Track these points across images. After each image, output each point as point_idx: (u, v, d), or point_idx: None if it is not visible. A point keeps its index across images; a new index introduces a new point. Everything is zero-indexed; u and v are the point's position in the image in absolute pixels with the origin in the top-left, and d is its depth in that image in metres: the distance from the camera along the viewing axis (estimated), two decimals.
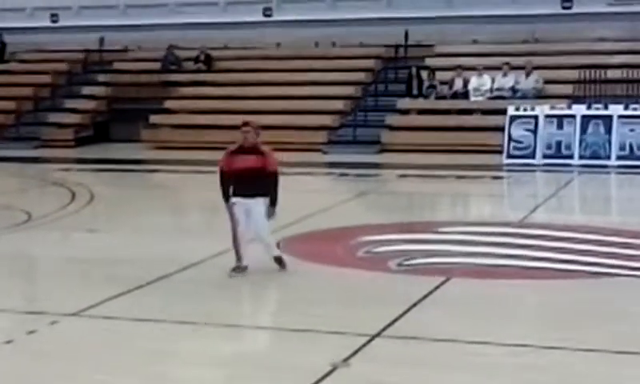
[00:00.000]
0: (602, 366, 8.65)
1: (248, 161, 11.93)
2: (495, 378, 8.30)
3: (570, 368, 8.56)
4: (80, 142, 29.56)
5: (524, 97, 25.98)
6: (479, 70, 27.06)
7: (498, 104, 25.76)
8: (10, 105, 31.16)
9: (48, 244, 14.94)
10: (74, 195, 19.39)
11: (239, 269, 11.84)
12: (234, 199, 11.95)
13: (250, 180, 11.84)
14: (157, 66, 31.24)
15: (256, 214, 11.87)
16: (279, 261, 12.13)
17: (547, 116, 24.07)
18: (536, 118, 24.09)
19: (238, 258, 11.87)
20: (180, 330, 9.88)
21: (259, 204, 11.89)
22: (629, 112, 23.71)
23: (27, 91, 31.74)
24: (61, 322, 10.14)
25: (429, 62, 28.57)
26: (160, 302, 10.99)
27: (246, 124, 12.16)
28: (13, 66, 33.53)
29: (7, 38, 34.08)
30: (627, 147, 23.44)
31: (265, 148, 12.14)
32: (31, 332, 9.78)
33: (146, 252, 13.59)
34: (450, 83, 27.28)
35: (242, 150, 12.05)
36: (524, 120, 24.19)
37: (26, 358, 9.15)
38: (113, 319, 10.35)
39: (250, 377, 8.47)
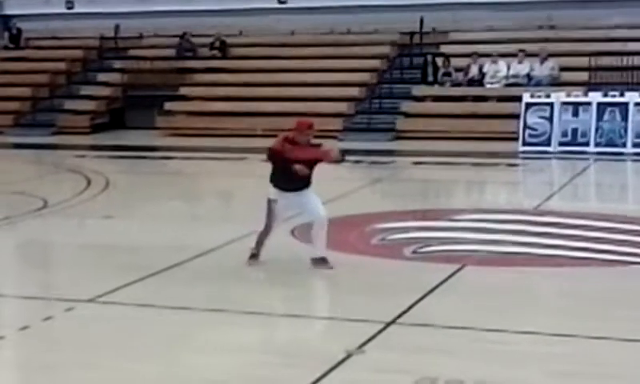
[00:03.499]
0: (617, 352, 8.65)
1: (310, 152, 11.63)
2: (510, 365, 8.29)
3: (586, 355, 8.56)
4: (95, 129, 29.63)
5: (539, 84, 25.90)
6: (494, 56, 26.99)
7: (514, 91, 25.69)
8: (26, 92, 31.26)
9: (64, 231, 14.99)
10: (89, 182, 19.44)
11: (254, 257, 11.83)
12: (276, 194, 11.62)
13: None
14: (172, 52, 31.26)
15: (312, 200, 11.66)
16: (322, 261, 11.64)
17: (563, 103, 23.99)
18: (551, 105, 24.00)
19: (259, 248, 11.80)
20: (196, 317, 9.91)
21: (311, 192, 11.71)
22: None
23: (43, 78, 31.81)
24: (76, 308, 10.19)
25: (444, 48, 28.52)
26: (176, 288, 11.02)
27: (311, 126, 11.77)
28: (28, 52, 33.57)
29: (23, 25, 34.14)
30: None
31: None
32: (47, 318, 9.85)
33: (162, 239, 13.62)
34: (466, 70, 27.22)
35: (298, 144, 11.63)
36: (539, 107, 24.11)
37: (41, 345, 9.20)
38: (128, 306, 10.39)
39: (264, 363, 8.49)
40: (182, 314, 10.01)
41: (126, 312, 10.18)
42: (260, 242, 11.81)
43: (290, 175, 11.47)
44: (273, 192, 11.65)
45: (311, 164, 11.61)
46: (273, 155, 11.64)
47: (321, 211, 11.69)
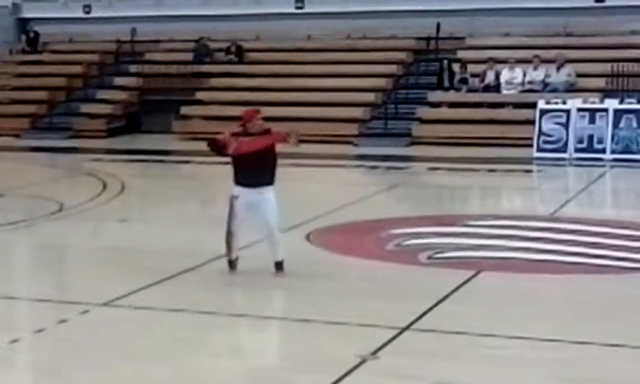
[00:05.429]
0: (631, 360, 8.62)
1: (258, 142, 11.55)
2: (526, 372, 8.27)
3: (602, 363, 8.53)
4: (112, 133, 29.68)
5: (556, 90, 25.84)
6: (511, 62, 26.95)
7: (530, 97, 25.64)
8: (42, 95, 31.35)
9: (79, 234, 15.02)
10: (105, 185, 19.49)
11: (232, 264, 11.75)
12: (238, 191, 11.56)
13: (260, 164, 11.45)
14: (188, 57, 31.31)
15: (269, 205, 11.50)
16: (280, 266, 11.65)
17: (579, 109, 23.92)
18: (567, 111, 23.93)
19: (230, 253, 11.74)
20: (210, 321, 9.92)
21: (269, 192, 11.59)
22: None
23: (60, 82, 31.91)
24: (91, 311, 10.21)
25: (460, 54, 28.48)
26: (190, 292, 11.04)
27: (257, 111, 11.88)
28: (46, 56, 33.71)
29: (40, 29, 34.25)
30: None
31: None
32: (62, 321, 9.87)
33: (177, 242, 13.65)
34: (482, 76, 27.19)
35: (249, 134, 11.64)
36: (555, 114, 24.04)
37: (56, 347, 9.23)
38: (143, 309, 10.41)
39: (277, 368, 8.50)
40: (196, 317, 10.02)
41: (140, 315, 10.20)
42: (229, 246, 11.67)
43: (250, 169, 11.42)
44: (236, 190, 11.58)
45: (270, 152, 11.52)
46: (215, 144, 11.64)
47: (270, 220, 11.51)
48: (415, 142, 26.22)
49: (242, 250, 12.30)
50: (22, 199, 18.48)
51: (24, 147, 27.67)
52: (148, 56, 32.34)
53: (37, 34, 34.15)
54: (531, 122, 24.38)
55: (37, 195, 18.58)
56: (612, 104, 23.84)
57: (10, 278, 12.28)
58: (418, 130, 26.59)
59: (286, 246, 11.78)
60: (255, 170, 11.46)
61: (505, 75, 26.85)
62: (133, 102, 31.03)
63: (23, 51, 34.24)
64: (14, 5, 35.27)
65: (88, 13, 34.23)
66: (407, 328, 9.39)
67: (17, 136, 29.44)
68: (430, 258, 12.55)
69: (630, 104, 23.74)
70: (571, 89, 25.94)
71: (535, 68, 26.65)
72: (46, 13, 34.28)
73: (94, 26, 33.65)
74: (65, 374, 8.44)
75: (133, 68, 32.12)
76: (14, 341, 9.23)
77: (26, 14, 35.28)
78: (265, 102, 28.16)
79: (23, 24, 35.21)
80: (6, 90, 32.24)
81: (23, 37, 34.52)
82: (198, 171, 23.52)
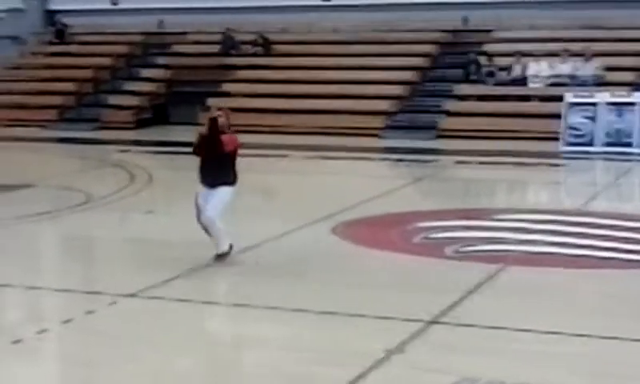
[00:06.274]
0: None
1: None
2: (554, 367, 8.25)
3: (632, 358, 8.51)
4: (139, 124, 29.79)
5: (584, 84, 25.71)
6: (538, 55, 26.84)
7: (557, 91, 25.53)
8: (70, 87, 31.49)
9: (106, 225, 15.09)
10: (132, 177, 19.57)
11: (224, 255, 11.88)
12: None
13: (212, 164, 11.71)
14: (215, 49, 31.36)
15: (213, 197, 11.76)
16: (221, 257, 11.82)
17: (607, 103, 23.80)
18: (595, 105, 23.84)
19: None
20: (233, 312, 9.96)
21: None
22: None
23: (87, 73, 32.05)
24: (119, 302, 10.27)
25: (487, 47, 28.40)
26: (218, 284, 11.09)
27: (219, 109, 12.15)
28: (73, 48, 33.83)
29: (68, 20, 34.41)
30: None
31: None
32: (90, 312, 9.93)
33: (203, 234, 13.65)
34: (509, 69, 27.11)
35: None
36: (582, 107, 23.95)
37: (84, 338, 9.29)
38: (169, 300, 10.46)
39: (302, 360, 8.51)
40: (220, 309, 10.08)
41: (166, 306, 10.25)
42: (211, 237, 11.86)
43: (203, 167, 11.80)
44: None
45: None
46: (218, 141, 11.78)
47: (207, 211, 11.73)
48: (441, 135, 26.16)
49: (269, 243, 12.36)
50: (50, 190, 18.58)
51: (52, 138, 27.80)
52: (175, 48, 32.42)
53: (65, 26, 34.30)
54: (558, 116, 24.29)
55: (65, 186, 18.68)
56: None
57: (37, 269, 12.37)
58: (444, 122, 26.53)
59: (311, 239, 11.79)
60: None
61: (532, 68, 26.75)
62: (160, 93, 31.11)
63: (51, 43, 34.40)
64: None
65: (115, 4, 34.35)
66: (434, 321, 9.39)
67: (45, 127, 29.57)
68: (456, 251, 12.54)
69: None
70: (599, 82, 25.81)
71: (563, 61, 26.53)
72: (74, 5, 34.43)
73: (121, 18, 33.76)
74: (94, 364, 8.50)
75: (160, 60, 32.21)
76: (42, 331, 9.30)
77: (55, 6, 35.45)
78: (291, 95, 28.34)
79: (51, 16, 35.38)
80: (35, 81, 32.38)
81: (51, 28, 34.70)
82: None
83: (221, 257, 11.77)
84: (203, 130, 11.84)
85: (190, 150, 12.04)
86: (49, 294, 11.08)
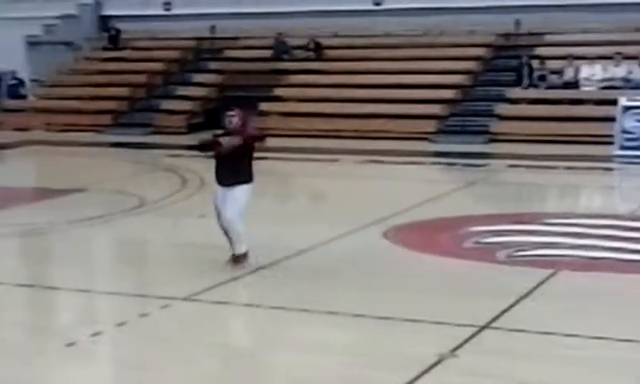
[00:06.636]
0: None
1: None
2: (607, 373, 8.20)
3: None
4: (191, 129, 29.94)
5: (637, 87, 25.46)
6: (590, 59, 26.63)
7: (610, 94, 25.31)
8: (124, 92, 31.77)
9: (159, 229, 15.22)
10: (184, 181, 19.70)
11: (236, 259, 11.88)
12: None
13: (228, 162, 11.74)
14: (267, 53, 31.48)
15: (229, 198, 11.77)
16: (238, 259, 11.86)
17: None
18: None
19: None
20: (286, 316, 9.99)
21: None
22: None
23: (140, 78, 32.31)
24: (172, 305, 10.35)
25: (539, 51, 28.22)
26: (269, 288, 11.13)
27: (231, 109, 12.36)
28: (127, 53, 34.14)
29: (122, 26, 34.74)
30: None
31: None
32: (143, 315, 10.02)
33: (256, 238, 13.68)
34: (561, 73, 26.93)
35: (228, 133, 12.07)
36: (637, 111, 23.71)
37: (138, 341, 9.38)
38: (223, 304, 10.53)
39: (354, 364, 8.53)
40: (273, 312, 10.10)
41: (219, 310, 10.32)
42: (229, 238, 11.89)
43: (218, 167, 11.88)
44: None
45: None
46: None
47: (227, 213, 11.74)
48: (494, 139, 26.03)
49: (320, 247, 12.38)
50: (103, 194, 18.77)
51: (105, 143, 28.07)
52: (227, 53, 32.58)
53: (118, 32, 34.63)
54: (611, 119, 24.07)
55: (118, 190, 18.86)
56: None
57: (91, 273, 12.50)
58: (496, 126, 26.41)
59: (363, 243, 11.80)
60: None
61: (584, 71, 26.55)
62: (212, 98, 31.28)
63: (105, 48, 34.75)
64: (97, 3, 35.83)
65: (168, 10, 34.63)
66: (486, 326, 9.36)
67: (99, 132, 29.86)
68: (508, 256, 12.49)
69: None
70: None
71: (616, 64, 26.30)
72: (127, 10, 34.77)
73: (174, 23, 34.03)
74: (147, 367, 8.58)
75: (212, 65, 32.40)
76: (96, 334, 9.40)
77: (108, 12, 35.81)
78: (342, 99, 28.36)
79: (105, 21, 35.75)
80: (89, 86, 32.72)
81: (105, 34, 35.05)
82: (276, 167, 23.63)
83: (238, 258, 11.80)
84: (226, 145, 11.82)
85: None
86: (102, 297, 11.21)
